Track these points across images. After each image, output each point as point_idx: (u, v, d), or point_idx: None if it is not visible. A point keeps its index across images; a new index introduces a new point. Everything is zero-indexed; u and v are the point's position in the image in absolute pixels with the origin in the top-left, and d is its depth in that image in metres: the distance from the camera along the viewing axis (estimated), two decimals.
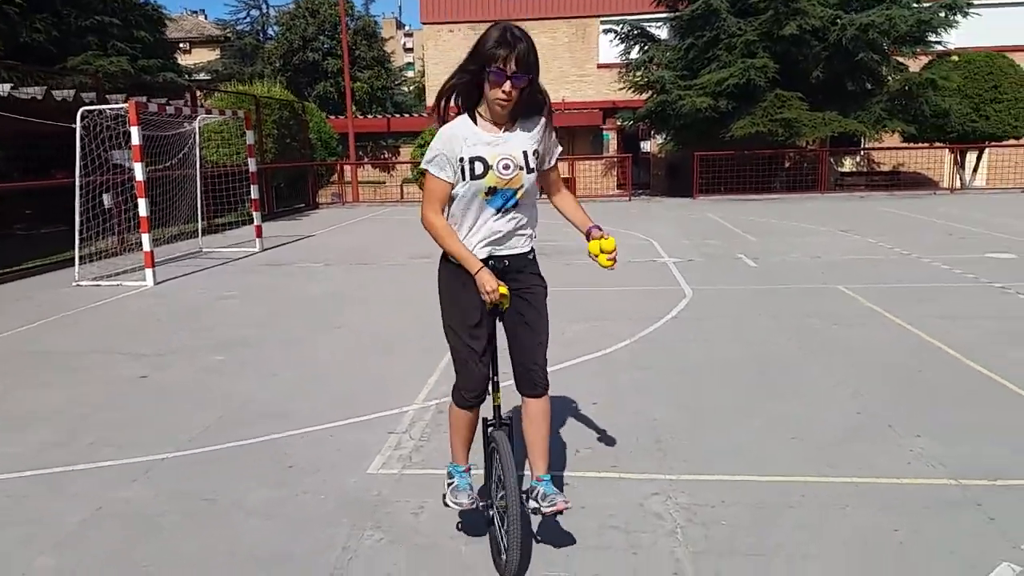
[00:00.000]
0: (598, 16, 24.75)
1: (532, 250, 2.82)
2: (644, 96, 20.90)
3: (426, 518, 3.19)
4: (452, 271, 2.73)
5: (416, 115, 29.10)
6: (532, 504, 2.72)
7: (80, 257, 9.55)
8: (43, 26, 19.53)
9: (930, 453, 3.68)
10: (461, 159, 2.61)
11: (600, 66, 25.01)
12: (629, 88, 21.01)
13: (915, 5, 18.69)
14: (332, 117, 25.97)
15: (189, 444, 4.08)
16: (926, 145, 20.79)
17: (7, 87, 10.82)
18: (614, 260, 2.76)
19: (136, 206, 9.33)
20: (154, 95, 15.21)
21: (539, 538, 2.97)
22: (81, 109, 9.57)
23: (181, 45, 41.35)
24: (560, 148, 2.86)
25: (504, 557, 2.71)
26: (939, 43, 19.38)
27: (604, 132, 25.56)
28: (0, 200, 12.93)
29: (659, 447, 3.87)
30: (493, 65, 2.49)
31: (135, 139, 8.92)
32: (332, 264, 10.46)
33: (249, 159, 12.30)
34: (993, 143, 20.47)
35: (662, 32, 21.58)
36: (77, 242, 9.50)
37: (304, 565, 2.88)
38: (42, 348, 6.34)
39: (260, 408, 4.65)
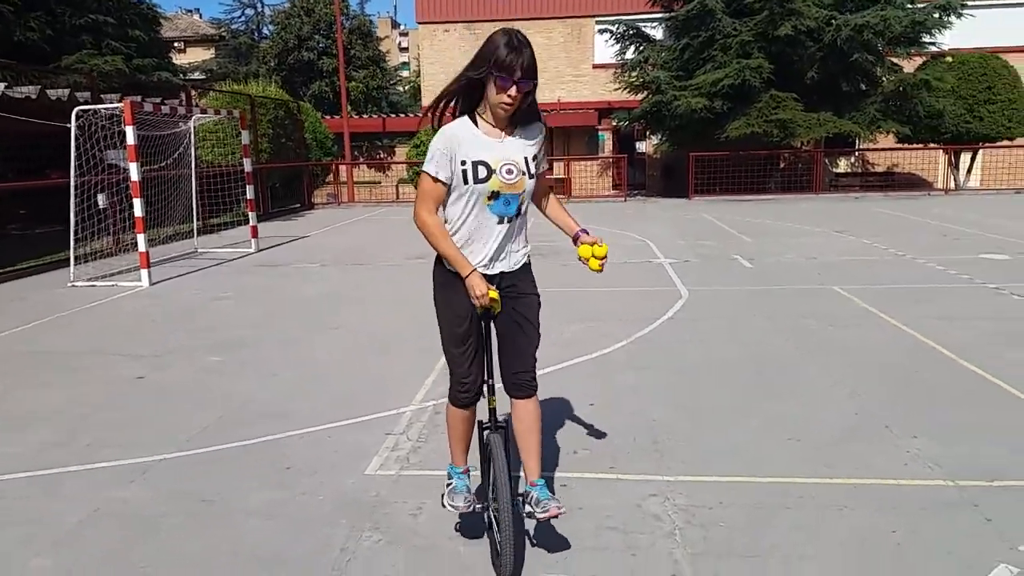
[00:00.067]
0: (593, 16, 24.78)
1: (528, 260, 2.86)
2: (639, 96, 20.93)
3: (424, 519, 3.19)
4: (445, 273, 2.74)
5: (412, 115, 29.12)
6: (527, 508, 2.73)
7: (75, 257, 9.52)
8: (37, 25, 19.48)
9: (927, 454, 3.69)
10: (463, 162, 2.60)
11: (595, 66, 25.04)
12: (624, 88, 21.04)
13: (909, 6, 18.75)
14: (327, 117, 25.94)
15: (187, 445, 4.07)
16: (920, 146, 20.87)
17: (1, 86, 10.79)
18: (603, 266, 2.81)
19: (131, 206, 9.30)
20: (149, 94, 15.17)
21: (535, 541, 2.98)
22: (76, 108, 9.54)
23: (176, 44, 41.29)
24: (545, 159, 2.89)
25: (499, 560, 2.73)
26: (933, 44, 19.46)
27: (599, 132, 25.59)
28: None
29: (656, 448, 3.87)
30: (499, 70, 2.50)
31: (130, 139, 8.90)
32: (328, 264, 10.45)
33: (244, 159, 12.28)
34: (987, 144, 20.56)
35: (657, 32, 21.60)
36: (72, 242, 9.48)
37: (302, 566, 2.88)
38: (38, 349, 6.32)
39: (258, 409, 4.64)
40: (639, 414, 4.35)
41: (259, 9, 44.95)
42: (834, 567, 2.78)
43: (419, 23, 26.62)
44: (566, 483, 3.48)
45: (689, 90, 18.82)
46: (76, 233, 9.53)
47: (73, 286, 9.05)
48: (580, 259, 2.83)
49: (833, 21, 17.97)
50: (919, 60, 20.37)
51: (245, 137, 12.35)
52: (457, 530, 3.04)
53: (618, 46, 21.36)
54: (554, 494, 2.93)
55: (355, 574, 2.82)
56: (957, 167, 21.42)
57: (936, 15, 18.67)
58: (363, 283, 9.01)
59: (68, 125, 9.46)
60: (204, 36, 45.48)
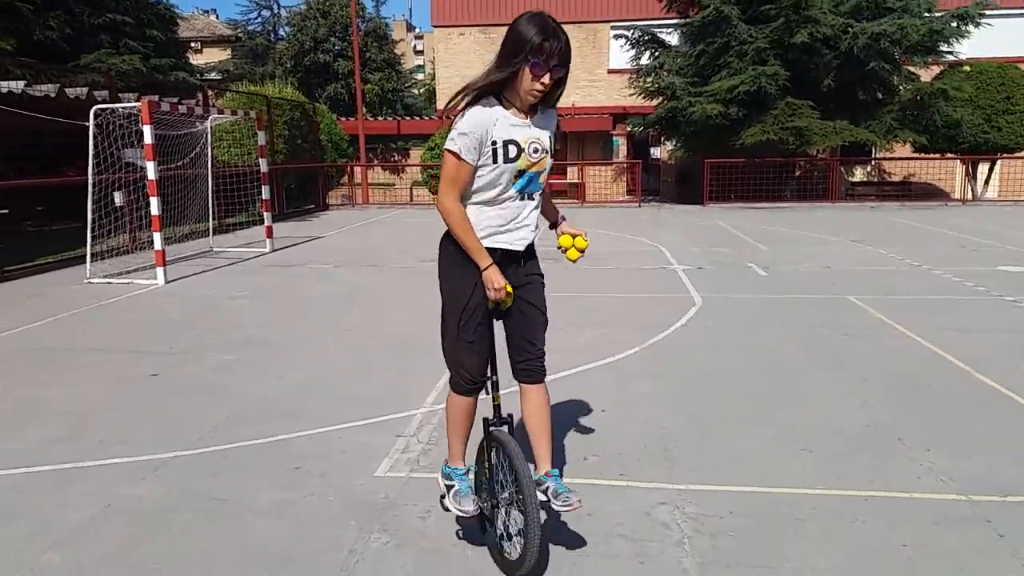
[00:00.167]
0: (609, 21, 24.76)
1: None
2: (654, 102, 20.89)
3: (433, 522, 3.19)
4: (458, 261, 2.69)
5: (426, 118, 29.15)
6: (541, 498, 2.71)
7: (92, 254, 9.60)
8: (56, 24, 19.68)
9: (940, 467, 3.66)
10: (494, 141, 2.58)
11: (610, 71, 25.02)
12: (639, 94, 21.00)
13: (927, 15, 18.63)
14: (342, 119, 26.04)
15: (198, 443, 4.09)
16: (937, 156, 20.70)
17: (20, 84, 10.90)
18: (579, 259, 2.88)
19: (148, 205, 9.37)
20: (166, 94, 15.31)
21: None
22: (94, 107, 9.62)
23: (193, 44, 41.60)
24: None
25: (514, 556, 2.73)
26: (951, 53, 19.30)
27: (614, 138, 25.56)
28: (11, 197, 13.00)
29: (667, 456, 3.86)
30: (537, 56, 2.49)
31: (147, 138, 8.96)
32: (342, 265, 10.48)
33: (260, 159, 12.34)
34: (1005, 155, 20.38)
35: (673, 38, 21.55)
36: (89, 239, 9.55)
37: (311, 566, 2.88)
38: (53, 345, 6.37)
39: (269, 408, 4.66)
40: (650, 421, 4.33)
41: (275, 10, 45.26)
42: None
43: (434, 26, 26.69)
44: (576, 489, 3.43)
45: (704, 96, 18.77)
46: (93, 230, 9.61)
47: (89, 283, 9.12)
48: (559, 247, 2.86)
49: (850, 29, 17.88)
50: (936, 69, 20.23)
51: (261, 138, 12.42)
52: (459, 538, 3.02)
53: (633, 51, 21.33)
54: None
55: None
56: (975, 177, 21.25)
57: (954, 24, 18.54)
58: (376, 285, 9.03)
59: (86, 123, 9.54)
60: (221, 37, 45.80)
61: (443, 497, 2.88)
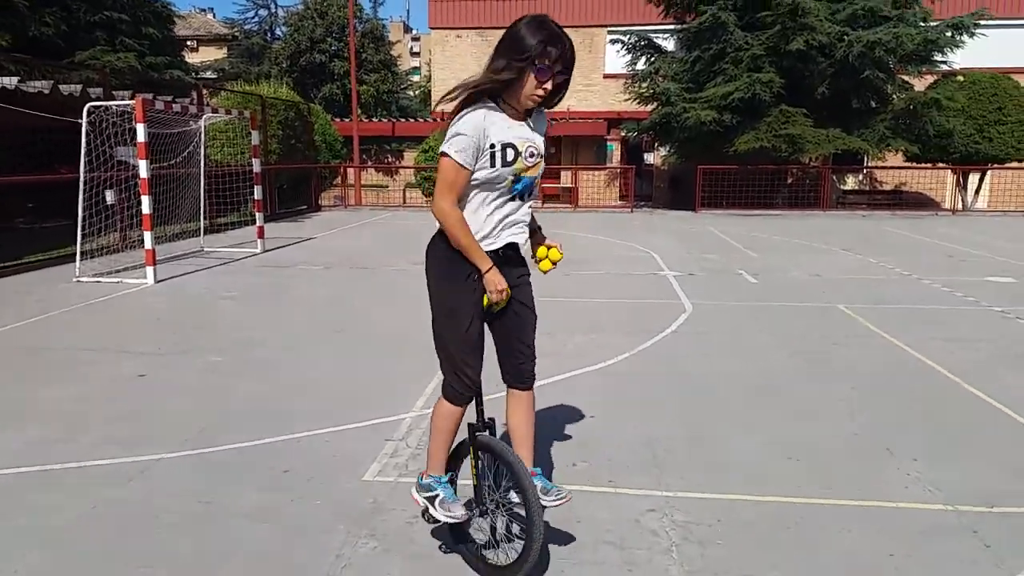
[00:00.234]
0: (605, 26, 24.82)
1: None
2: (649, 108, 20.94)
3: (421, 527, 3.17)
4: (454, 267, 2.63)
5: (421, 120, 29.17)
6: None
7: (81, 253, 9.55)
8: (52, 20, 19.62)
9: (927, 477, 3.67)
10: (492, 144, 2.55)
11: (606, 76, 25.08)
12: (634, 99, 21.06)
13: (922, 24, 18.75)
14: (337, 119, 26.02)
15: (186, 445, 4.07)
16: (929, 165, 20.83)
17: (14, 80, 10.85)
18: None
19: (139, 203, 9.33)
20: (161, 92, 15.24)
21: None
22: (88, 105, 9.58)
23: (189, 43, 41.49)
24: None
25: (500, 561, 2.76)
26: (945, 63, 19.44)
27: (608, 143, 25.62)
28: (3, 194, 12.93)
29: (656, 462, 3.86)
30: (541, 61, 2.48)
31: (140, 136, 8.93)
32: (333, 267, 10.46)
33: (253, 159, 12.31)
34: (996, 165, 20.51)
35: (669, 44, 21.63)
36: (79, 238, 9.50)
37: (297, 571, 2.87)
38: (41, 344, 6.34)
39: (258, 410, 4.64)
40: (640, 428, 4.34)
41: (272, 10, 45.19)
42: None
43: (431, 28, 26.72)
44: (572, 499, 3.46)
45: (699, 102, 18.83)
46: (83, 228, 9.56)
47: (78, 281, 9.07)
48: (534, 257, 2.86)
49: (845, 37, 17.97)
50: (930, 78, 20.36)
51: (255, 137, 12.39)
52: (447, 549, 2.98)
53: (629, 57, 21.40)
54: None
55: None
56: (965, 188, 21.38)
57: (948, 34, 18.68)
58: (368, 287, 9.02)
59: (79, 121, 9.50)
60: (217, 36, 45.72)
61: (425, 511, 2.81)
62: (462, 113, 2.57)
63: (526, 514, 2.63)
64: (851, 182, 24.77)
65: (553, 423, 4.35)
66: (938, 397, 4.92)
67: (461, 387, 2.71)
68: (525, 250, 2.81)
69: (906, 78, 19.83)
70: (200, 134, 12.14)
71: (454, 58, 25.79)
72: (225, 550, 3.02)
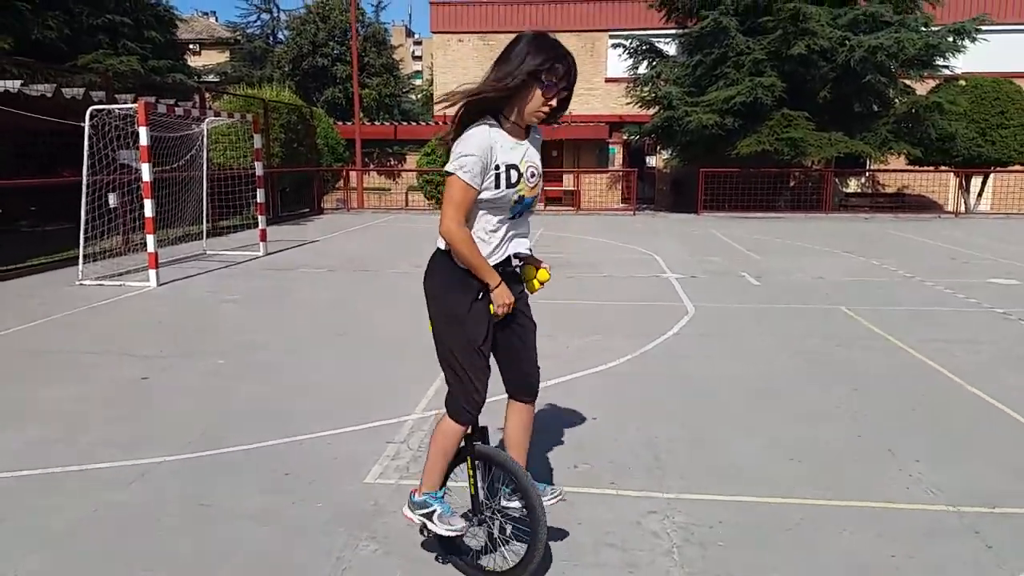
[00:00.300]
0: (607, 31, 24.87)
1: None
2: (651, 111, 20.96)
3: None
4: (464, 286, 2.60)
5: (423, 123, 29.20)
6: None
7: (84, 256, 9.56)
8: (55, 24, 19.68)
9: (929, 479, 3.67)
10: (497, 166, 2.53)
11: (608, 80, 25.12)
12: (636, 103, 21.07)
13: (924, 29, 18.75)
14: (340, 123, 26.06)
15: (187, 447, 4.07)
16: (931, 168, 20.81)
17: (17, 83, 10.87)
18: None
19: (142, 206, 9.35)
20: (163, 96, 15.27)
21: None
22: (90, 108, 9.60)
23: (191, 46, 41.61)
24: None
25: (498, 567, 2.78)
26: (947, 67, 19.43)
27: (610, 146, 25.65)
28: (6, 196, 12.96)
29: (658, 464, 3.86)
30: (548, 78, 2.49)
31: (143, 139, 8.94)
32: (336, 270, 10.47)
33: (256, 163, 12.33)
34: (998, 168, 20.50)
35: (670, 48, 21.65)
36: (82, 241, 9.52)
37: (298, 574, 2.87)
38: (43, 346, 6.34)
39: (259, 413, 4.64)
40: (641, 429, 4.33)
41: (275, 14, 45.29)
42: None
43: (433, 32, 26.77)
44: (566, 497, 3.45)
45: (700, 106, 18.84)
46: (86, 232, 9.58)
47: (81, 284, 9.09)
48: (524, 278, 2.83)
49: (847, 42, 17.97)
50: (932, 83, 20.37)
51: (257, 141, 12.41)
52: (443, 560, 2.95)
53: (631, 61, 21.43)
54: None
55: None
56: (968, 191, 21.36)
57: (950, 39, 18.67)
58: (370, 290, 9.02)
59: (82, 124, 9.52)
60: (219, 39, 45.85)
61: (423, 528, 2.79)
62: (468, 132, 2.54)
63: (530, 516, 2.64)
64: (853, 185, 24.77)
65: (555, 425, 4.35)
66: (940, 399, 4.91)
67: (471, 407, 2.69)
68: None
69: (908, 82, 19.83)
70: (202, 137, 12.16)
71: (456, 62, 25.83)
72: (226, 552, 3.02)
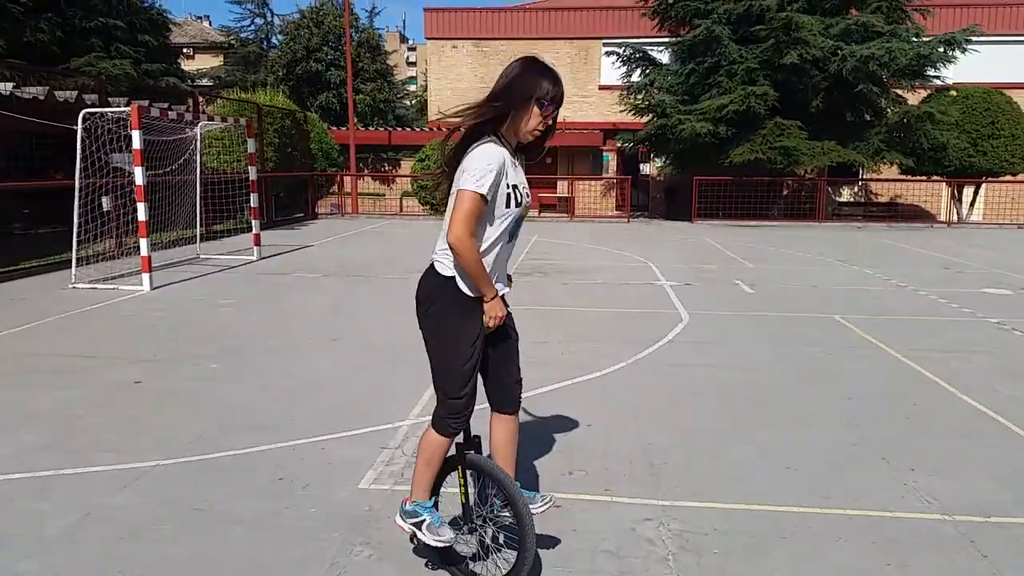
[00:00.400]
0: (601, 38, 24.93)
1: None
2: (644, 119, 21.01)
3: None
4: (462, 299, 2.63)
5: (418, 129, 29.20)
6: None
7: (77, 259, 9.52)
8: (48, 26, 19.61)
9: (924, 487, 3.67)
10: (508, 185, 2.60)
11: (602, 87, 25.17)
12: (630, 111, 21.12)
13: (915, 39, 18.87)
14: (334, 128, 26.03)
15: (181, 452, 4.05)
16: (924, 178, 20.93)
17: (9, 86, 10.84)
18: None
19: (135, 210, 9.31)
20: (156, 99, 15.24)
21: None
22: (83, 111, 9.57)
23: (185, 50, 41.51)
24: None
25: (490, 574, 2.78)
26: (938, 77, 19.57)
27: (604, 153, 25.69)
28: None
29: (653, 471, 3.85)
30: (546, 98, 2.59)
31: (136, 143, 8.92)
32: (330, 275, 10.45)
33: (250, 167, 12.31)
34: (990, 178, 20.63)
35: (664, 56, 21.73)
36: (75, 244, 9.47)
37: None
38: (35, 351, 6.30)
39: (253, 418, 4.62)
40: (636, 437, 4.33)
41: (269, 19, 45.23)
42: None
43: (428, 39, 26.78)
44: (561, 504, 3.45)
45: (694, 114, 18.90)
46: (79, 235, 9.53)
47: (74, 288, 9.04)
48: None
49: (839, 51, 18.08)
50: (923, 93, 20.50)
51: (251, 145, 12.39)
52: (435, 566, 2.93)
53: (624, 68, 21.49)
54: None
55: None
56: (960, 200, 21.49)
57: (941, 49, 18.79)
58: (364, 295, 9.00)
59: (74, 127, 9.48)
60: (213, 43, 45.75)
61: (413, 536, 2.78)
62: (482, 148, 2.56)
63: (518, 524, 2.64)
64: (846, 194, 24.88)
65: (549, 432, 4.35)
66: (934, 407, 4.93)
67: (457, 423, 2.72)
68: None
69: (900, 92, 19.96)
70: (196, 141, 12.13)
71: (450, 68, 25.85)
72: (219, 557, 3.00)
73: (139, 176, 8.99)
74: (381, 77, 39.12)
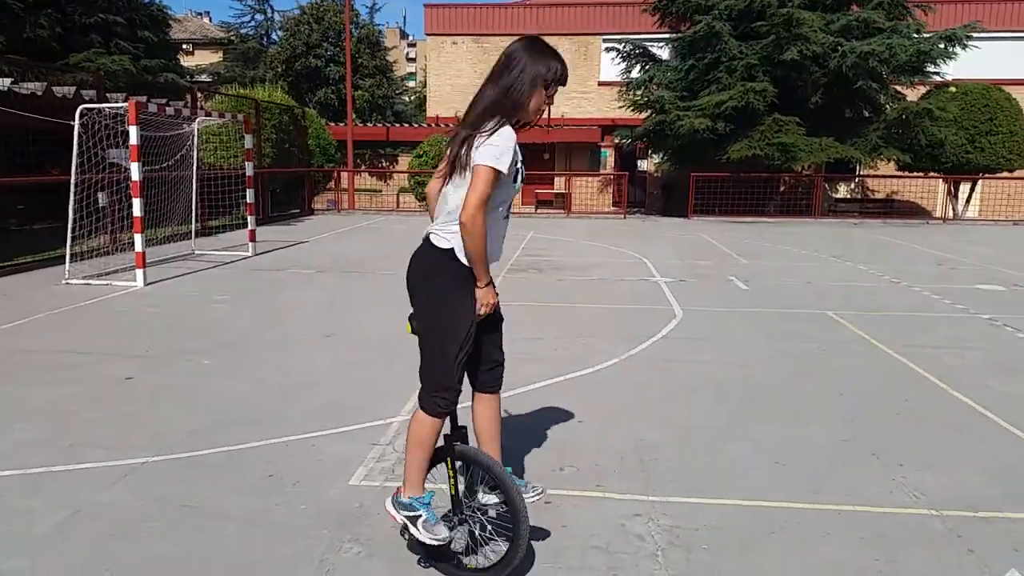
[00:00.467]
0: (600, 34, 24.92)
1: None
2: (643, 115, 21.01)
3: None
4: (462, 279, 2.68)
5: (416, 125, 29.19)
6: None
7: (71, 255, 9.50)
8: (47, 22, 19.61)
9: (913, 483, 3.68)
10: (518, 162, 2.68)
11: (601, 83, 25.16)
12: (628, 107, 21.12)
13: (915, 35, 18.86)
14: (332, 124, 26.01)
15: (171, 448, 4.05)
16: (920, 174, 20.95)
17: (7, 82, 10.81)
18: None
19: (130, 205, 9.30)
20: (155, 95, 15.23)
21: None
22: (80, 107, 9.55)
23: (184, 46, 41.51)
24: None
25: (479, 564, 2.80)
26: (937, 74, 19.57)
27: (602, 149, 25.69)
28: None
29: (644, 467, 3.86)
30: (553, 80, 2.66)
31: (133, 139, 8.90)
32: (325, 271, 10.44)
33: (246, 163, 12.29)
34: (986, 175, 20.63)
35: (663, 52, 21.71)
36: (69, 240, 9.46)
37: (281, 575, 2.86)
38: (27, 346, 6.30)
39: (244, 414, 4.62)
40: (628, 432, 4.33)
41: (269, 15, 45.19)
42: None
43: (427, 35, 26.75)
44: (551, 500, 3.45)
45: (692, 110, 18.90)
46: (74, 230, 9.52)
47: (67, 284, 9.03)
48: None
49: (839, 47, 18.07)
50: (922, 89, 20.49)
51: (248, 141, 12.37)
52: (425, 564, 2.93)
53: (624, 64, 21.48)
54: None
55: None
56: (956, 197, 21.49)
57: (942, 45, 18.79)
58: (358, 291, 9.00)
59: (72, 123, 9.47)
60: (213, 39, 45.73)
61: (404, 529, 2.79)
62: (498, 129, 2.58)
63: (509, 508, 2.65)
64: (843, 190, 24.90)
65: (540, 427, 4.35)
66: (926, 403, 4.94)
67: (446, 403, 2.72)
68: None
69: (899, 88, 19.95)
70: (193, 137, 12.12)
71: (450, 64, 25.83)
72: (209, 554, 3.00)
73: (135, 172, 8.97)
74: (380, 73, 39.13)
